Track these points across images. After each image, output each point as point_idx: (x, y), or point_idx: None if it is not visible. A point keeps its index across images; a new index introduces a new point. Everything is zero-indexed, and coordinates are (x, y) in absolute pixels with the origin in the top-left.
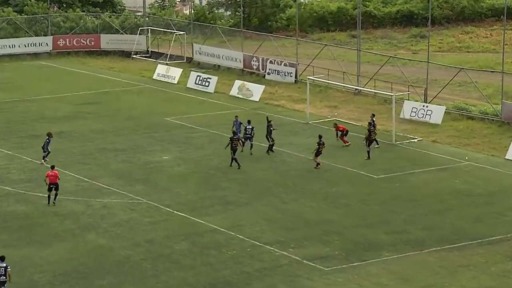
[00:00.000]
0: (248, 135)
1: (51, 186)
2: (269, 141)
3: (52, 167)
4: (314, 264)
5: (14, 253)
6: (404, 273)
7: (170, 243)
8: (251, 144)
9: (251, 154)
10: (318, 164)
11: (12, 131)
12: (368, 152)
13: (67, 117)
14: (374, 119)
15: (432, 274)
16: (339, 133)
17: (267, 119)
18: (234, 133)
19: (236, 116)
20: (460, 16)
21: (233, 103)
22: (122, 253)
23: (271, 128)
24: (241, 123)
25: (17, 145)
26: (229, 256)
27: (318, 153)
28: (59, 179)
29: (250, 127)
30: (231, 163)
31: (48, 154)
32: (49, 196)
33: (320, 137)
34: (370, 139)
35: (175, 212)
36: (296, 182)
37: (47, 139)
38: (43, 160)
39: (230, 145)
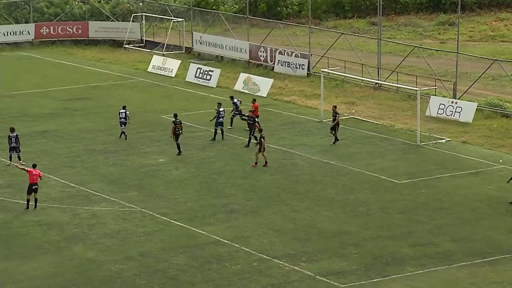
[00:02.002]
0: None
1: (33, 187)
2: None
3: (34, 166)
4: (328, 280)
5: None
6: None
7: (167, 257)
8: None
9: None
10: (259, 162)
11: None
12: (335, 136)
13: (52, 114)
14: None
15: None
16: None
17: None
18: (176, 116)
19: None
20: (494, 1)
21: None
22: (112, 268)
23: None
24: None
25: None
26: (233, 271)
27: (263, 148)
28: (40, 178)
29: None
30: (179, 152)
31: (16, 152)
32: (28, 200)
33: (260, 130)
34: (334, 125)
35: (172, 221)
36: (309, 188)
37: (16, 135)
38: (20, 161)
39: (173, 129)
